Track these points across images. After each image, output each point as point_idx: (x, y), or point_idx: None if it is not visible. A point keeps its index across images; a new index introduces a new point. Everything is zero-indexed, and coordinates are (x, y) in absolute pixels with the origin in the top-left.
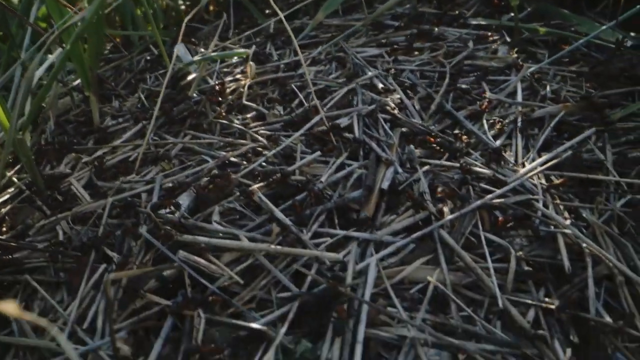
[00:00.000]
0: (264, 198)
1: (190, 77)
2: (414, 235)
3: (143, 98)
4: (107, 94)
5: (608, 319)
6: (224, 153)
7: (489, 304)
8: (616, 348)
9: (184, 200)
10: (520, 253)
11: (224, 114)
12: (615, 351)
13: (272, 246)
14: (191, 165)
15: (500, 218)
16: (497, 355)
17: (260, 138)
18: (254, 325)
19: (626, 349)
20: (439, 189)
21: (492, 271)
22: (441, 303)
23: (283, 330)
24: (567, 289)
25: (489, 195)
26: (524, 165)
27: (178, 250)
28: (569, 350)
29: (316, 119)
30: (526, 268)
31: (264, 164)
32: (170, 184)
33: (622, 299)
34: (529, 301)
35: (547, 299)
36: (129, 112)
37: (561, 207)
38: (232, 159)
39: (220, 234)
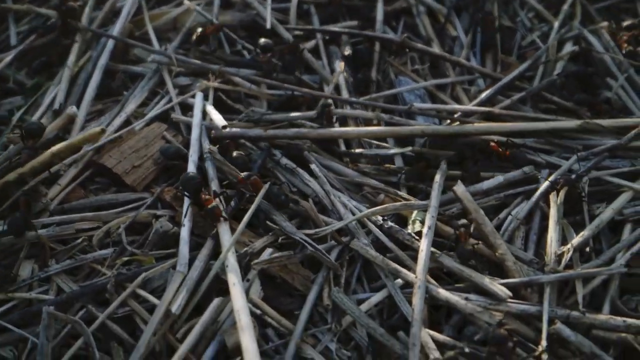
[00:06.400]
0: None
1: None
2: None
3: None
4: None
5: (391, 35)
6: None
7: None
8: (399, 71)
9: None
10: None
11: None
12: (399, 74)
13: None
14: None
15: None
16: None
17: None
18: None
19: (417, 74)
20: None
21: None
22: (203, 39)
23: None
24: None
25: None
26: None
27: None
28: (342, 64)
29: None
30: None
31: None
32: None
33: (421, 29)
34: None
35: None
36: None
37: None
38: None
39: None
